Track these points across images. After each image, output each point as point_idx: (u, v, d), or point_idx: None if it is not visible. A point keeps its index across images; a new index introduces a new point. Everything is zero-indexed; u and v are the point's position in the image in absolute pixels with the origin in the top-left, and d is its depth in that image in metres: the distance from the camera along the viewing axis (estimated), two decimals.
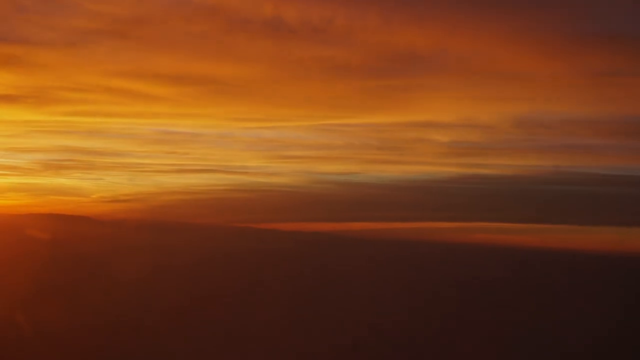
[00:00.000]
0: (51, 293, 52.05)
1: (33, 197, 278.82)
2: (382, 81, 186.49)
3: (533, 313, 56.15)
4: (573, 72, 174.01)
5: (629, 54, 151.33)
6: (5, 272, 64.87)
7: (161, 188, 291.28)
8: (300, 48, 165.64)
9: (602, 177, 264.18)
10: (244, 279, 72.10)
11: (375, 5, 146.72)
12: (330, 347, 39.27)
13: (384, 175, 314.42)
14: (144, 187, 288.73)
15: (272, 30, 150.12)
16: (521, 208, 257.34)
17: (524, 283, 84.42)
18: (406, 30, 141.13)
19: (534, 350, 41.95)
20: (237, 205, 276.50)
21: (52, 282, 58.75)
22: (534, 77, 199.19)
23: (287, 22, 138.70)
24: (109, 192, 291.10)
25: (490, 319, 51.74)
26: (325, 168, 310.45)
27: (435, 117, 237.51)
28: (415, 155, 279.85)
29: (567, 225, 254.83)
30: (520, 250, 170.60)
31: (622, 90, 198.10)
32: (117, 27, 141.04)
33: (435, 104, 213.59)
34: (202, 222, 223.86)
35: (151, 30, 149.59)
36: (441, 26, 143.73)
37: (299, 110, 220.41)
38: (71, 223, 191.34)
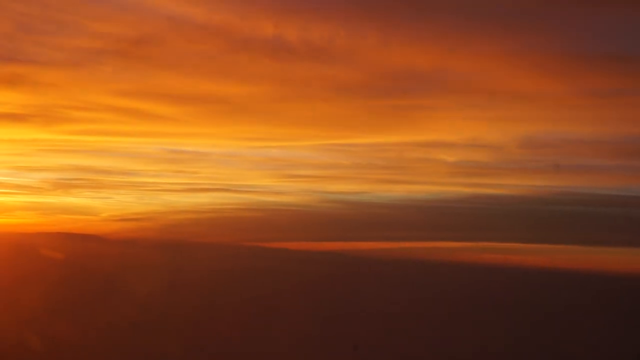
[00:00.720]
0: (62, 312, 52.30)
1: (43, 216, 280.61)
2: (386, 101, 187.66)
3: (542, 332, 55.95)
4: (574, 92, 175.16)
5: (630, 74, 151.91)
6: (16, 291, 65.20)
7: (170, 207, 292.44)
8: (302, 67, 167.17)
9: (610, 198, 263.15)
10: (254, 298, 72.15)
11: (374, 25, 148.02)
12: None
13: (391, 195, 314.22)
14: (154, 206, 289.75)
15: (273, 49, 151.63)
16: (528, 228, 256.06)
17: (532, 303, 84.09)
18: (406, 50, 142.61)
19: None
20: (246, 224, 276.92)
21: (62, 301, 59.02)
22: (535, 97, 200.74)
23: (287, 41, 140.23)
24: (119, 211, 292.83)
25: (499, 338, 51.61)
26: (333, 187, 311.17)
27: (440, 137, 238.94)
28: (422, 175, 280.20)
29: (574, 245, 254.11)
30: (528, 270, 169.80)
31: (625, 110, 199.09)
32: (120, 47, 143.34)
33: (439, 123, 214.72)
34: (211, 241, 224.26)
35: (154, 50, 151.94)
36: (440, 46, 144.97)
37: (304, 129, 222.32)
38: (81, 242, 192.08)
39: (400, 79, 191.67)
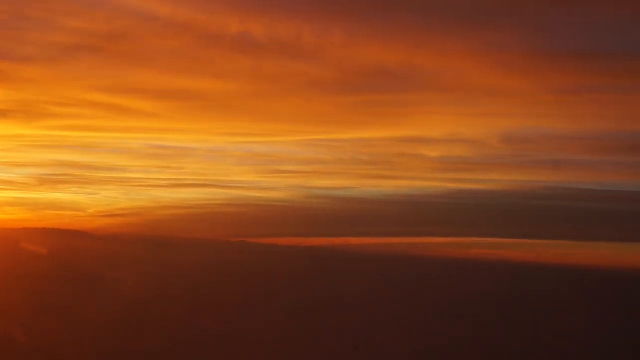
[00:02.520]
0: (48, 307, 52.03)
1: (29, 212, 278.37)
2: (362, 97, 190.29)
3: (535, 328, 56.31)
4: (542, 89, 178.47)
5: (595, 71, 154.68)
6: (1, 287, 64.81)
7: (157, 203, 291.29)
8: (272, 64, 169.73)
9: (592, 193, 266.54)
10: (240, 293, 72.10)
11: (339, 22, 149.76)
12: None
13: (377, 190, 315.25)
14: (140, 201, 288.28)
15: (242, 45, 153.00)
16: (514, 224, 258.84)
17: (522, 298, 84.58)
18: (372, 47, 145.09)
19: None
20: (232, 220, 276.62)
21: (48, 297, 58.72)
22: (507, 94, 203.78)
23: (255, 38, 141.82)
24: (105, 206, 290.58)
25: (491, 334, 51.88)
26: (319, 183, 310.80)
27: (420, 133, 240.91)
28: (406, 171, 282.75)
29: (560, 240, 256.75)
30: (515, 265, 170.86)
31: (596, 107, 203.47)
32: (93, 43, 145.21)
33: (418, 119, 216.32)
34: (197, 237, 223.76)
35: (127, 46, 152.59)
36: (406, 43, 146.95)
37: (286, 125, 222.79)
38: (68, 237, 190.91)
39: (370, 76, 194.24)
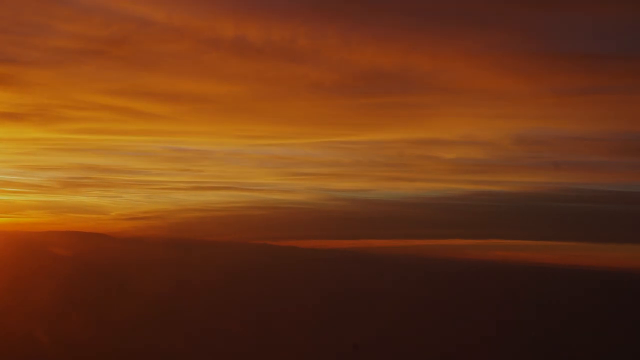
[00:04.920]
0: (73, 308, 51.99)
1: (53, 215, 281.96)
2: (368, 99, 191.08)
3: (557, 327, 55.22)
4: (548, 91, 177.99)
5: (598, 73, 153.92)
6: (27, 288, 65.12)
7: (178, 205, 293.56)
8: (271, 66, 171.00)
9: (611, 195, 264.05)
10: (265, 295, 71.69)
11: (333, 25, 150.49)
12: None
13: (396, 192, 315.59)
14: (162, 204, 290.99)
15: (240, 49, 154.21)
16: (534, 225, 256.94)
17: (545, 299, 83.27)
18: (366, 49, 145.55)
19: None
20: (253, 222, 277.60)
21: (74, 298, 58.81)
22: (515, 95, 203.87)
23: (252, 42, 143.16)
24: (127, 209, 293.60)
25: (515, 334, 50.89)
26: (338, 185, 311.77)
27: (434, 134, 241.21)
28: (423, 172, 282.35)
29: (581, 242, 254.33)
30: (538, 267, 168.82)
31: (603, 108, 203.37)
32: (96, 47, 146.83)
33: (431, 121, 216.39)
34: (220, 239, 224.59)
35: (129, 50, 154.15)
36: (404, 46, 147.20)
37: (299, 127, 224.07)
38: (91, 240, 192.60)
39: (370, 78, 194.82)
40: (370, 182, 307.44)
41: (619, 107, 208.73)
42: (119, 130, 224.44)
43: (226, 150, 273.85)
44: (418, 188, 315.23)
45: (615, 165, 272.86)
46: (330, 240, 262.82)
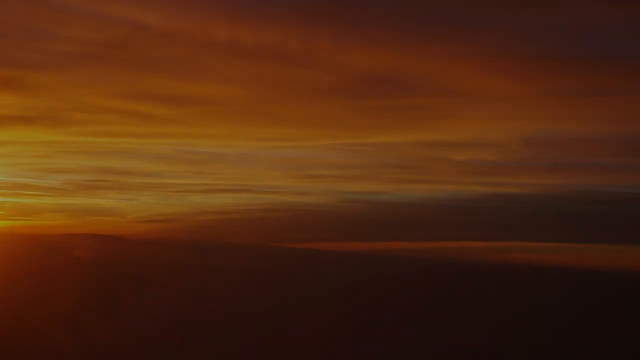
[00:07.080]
0: (93, 312, 52.05)
1: (70, 218, 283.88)
2: (372, 102, 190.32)
3: (577, 330, 54.43)
4: (551, 92, 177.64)
5: (608, 74, 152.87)
6: (46, 292, 65.32)
7: (195, 208, 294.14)
8: (268, 69, 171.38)
9: (624, 196, 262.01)
10: (285, 299, 71.45)
11: (325, 28, 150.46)
12: None
13: (411, 194, 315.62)
14: (178, 207, 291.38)
15: (235, 52, 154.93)
16: (549, 227, 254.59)
17: (564, 303, 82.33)
18: (360, 52, 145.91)
19: None
20: (269, 224, 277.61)
21: (94, 301, 58.89)
22: (520, 97, 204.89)
23: (244, 45, 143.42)
24: (144, 212, 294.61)
25: (536, 340, 50.22)
26: (352, 187, 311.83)
27: (444, 136, 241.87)
28: (435, 174, 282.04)
29: (601, 244, 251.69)
30: (557, 269, 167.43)
31: (598, 110, 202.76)
32: (96, 51, 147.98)
33: (439, 123, 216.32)
34: (237, 242, 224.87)
35: (128, 54, 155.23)
36: (400, 49, 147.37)
37: (309, 129, 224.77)
38: (110, 243, 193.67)
39: (370, 81, 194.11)
40: (384, 184, 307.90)
41: (632, 108, 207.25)
42: (130, 133, 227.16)
43: (238, 153, 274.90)
44: (431, 190, 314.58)
45: (631, 167, 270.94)
46: (348, 242, 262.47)
